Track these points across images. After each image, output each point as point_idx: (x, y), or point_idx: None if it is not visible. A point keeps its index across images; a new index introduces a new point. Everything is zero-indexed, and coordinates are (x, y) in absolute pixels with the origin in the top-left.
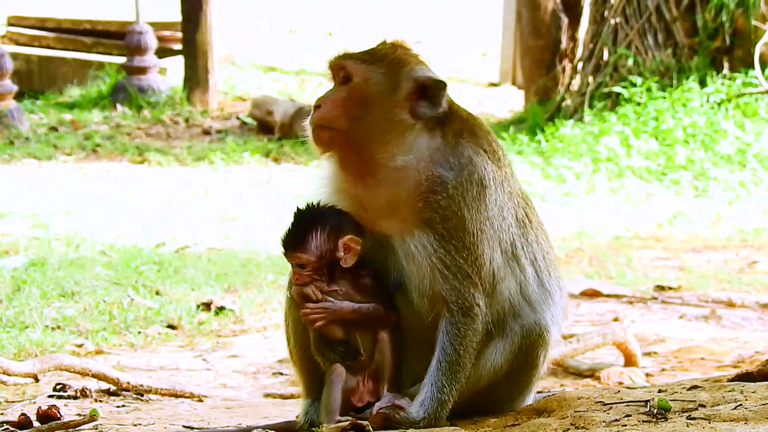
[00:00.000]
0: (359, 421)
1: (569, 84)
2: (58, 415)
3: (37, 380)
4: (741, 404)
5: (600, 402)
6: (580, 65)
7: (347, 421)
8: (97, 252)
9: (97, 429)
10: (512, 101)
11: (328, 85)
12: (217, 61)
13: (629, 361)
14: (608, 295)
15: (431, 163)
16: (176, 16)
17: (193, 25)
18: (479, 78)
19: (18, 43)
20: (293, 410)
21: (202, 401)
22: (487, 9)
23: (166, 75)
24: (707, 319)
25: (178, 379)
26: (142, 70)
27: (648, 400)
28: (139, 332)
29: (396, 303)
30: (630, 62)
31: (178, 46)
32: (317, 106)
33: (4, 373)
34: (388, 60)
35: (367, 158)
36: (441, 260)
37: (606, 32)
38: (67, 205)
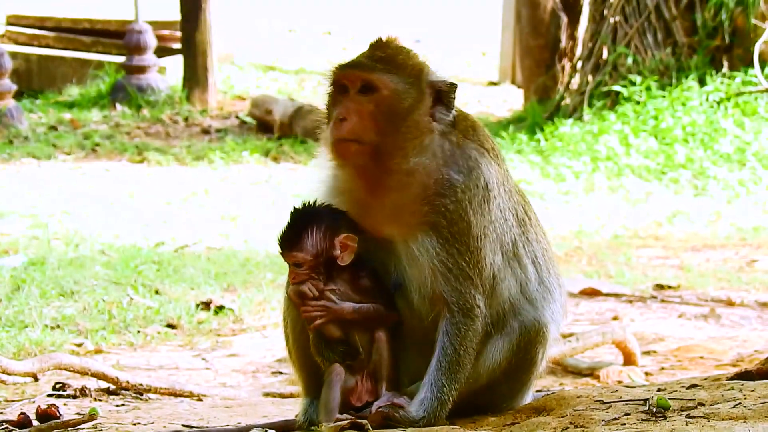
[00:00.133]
0: (359, 420)
1: (569, 83)
2: (58, 414)
3: (36, 379)
4: (740, 403)
5: (599, 401)
6: (579, 64)
7: (346, 419)
8: (96, 251)
9: (96, 428)
10: (512, 100)
11: (327, 85)
12: (216, 61)
13: (628, 359)
14: (607, 294)
15: (443, 165)
16: (175, 16)
17: (193, 24)
18: (479, 77)
19: (17, 42)
20: (292, 409)
21: (201, 400)
22: (487, 8)
23: (166, 74)
24: (706, 317)
25: (178, 379)
26: (142, 70)
27: (647, 399)
28: (139, 331)
29: (396, 303)
30: (629, 61)
31: (178, 46)
32: (341, 119)
33: (3, 372)
34: (410, 68)
35: (387, 167)
36: (443, 263)
37: (605, 31)
38: (67, 205)
